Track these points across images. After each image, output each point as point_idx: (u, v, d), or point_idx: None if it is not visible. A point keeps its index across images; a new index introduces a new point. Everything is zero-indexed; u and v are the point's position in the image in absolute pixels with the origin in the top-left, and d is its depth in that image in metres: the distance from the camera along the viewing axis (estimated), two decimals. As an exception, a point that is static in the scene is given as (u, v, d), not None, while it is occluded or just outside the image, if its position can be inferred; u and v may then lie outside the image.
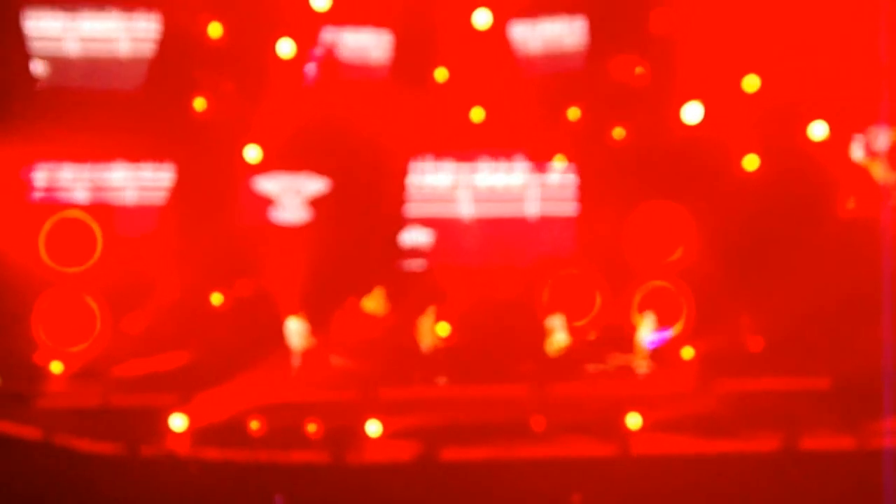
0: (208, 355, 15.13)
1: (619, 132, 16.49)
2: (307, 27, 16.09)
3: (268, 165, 16.56)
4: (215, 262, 15.96)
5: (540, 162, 17.09)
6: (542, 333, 15.52)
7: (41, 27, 15.92)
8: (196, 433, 12.89)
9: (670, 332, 15.29)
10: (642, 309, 15.75)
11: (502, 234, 17.64)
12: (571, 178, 17.14)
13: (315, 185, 16.93)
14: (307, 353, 14.97)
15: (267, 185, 16.90)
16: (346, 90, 16.49)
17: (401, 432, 12.90)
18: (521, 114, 16.29)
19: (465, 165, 17.27)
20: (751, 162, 16.09)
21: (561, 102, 16.48)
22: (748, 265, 15.83)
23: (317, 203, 16.95)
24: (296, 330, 14.99)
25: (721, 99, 15.74)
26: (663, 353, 15.38)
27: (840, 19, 15.09)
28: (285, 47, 15.80)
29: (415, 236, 17.29)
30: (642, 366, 14.94)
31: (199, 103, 16.05)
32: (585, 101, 16.46)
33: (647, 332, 15.09)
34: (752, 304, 15.71)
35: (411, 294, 16.41)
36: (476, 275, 17.21)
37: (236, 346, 15.26)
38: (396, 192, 17.11)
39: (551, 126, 16.50)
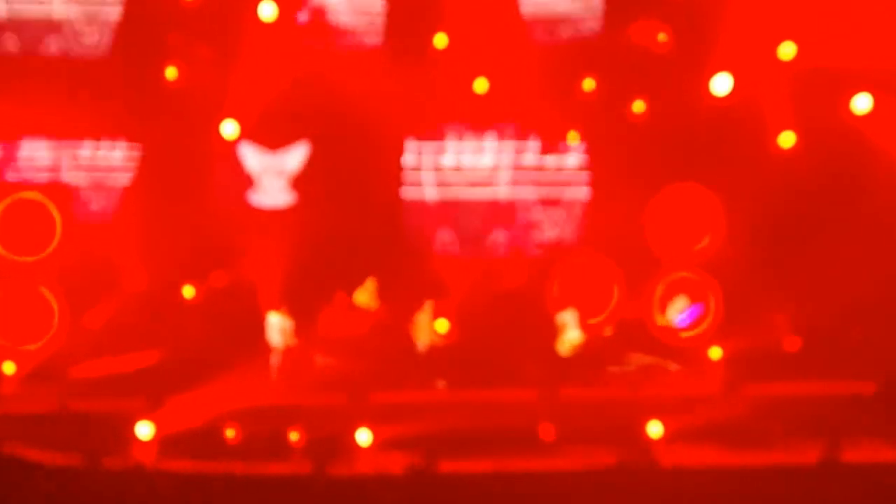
0: (179, 355, 15.11)
1: (639, 106, 16.47)
2: (291, -14, 16.15)
3: (247, 141, 16.54)
4: (187, 250, 15.94)
5: (551, 139, 17.08)
6: (553, 331, 15.55)
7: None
8: (165, 442, 12.88)
9: (700, 309, 15.36)
10: (665, 303, 15.75)
11: (508, 219, 17.68)
12: (585, 158, 17.11)
13: (299, 164, 16.95)
14: (289, 353, 15.10)
15: (246, 163, 16.90)
16: (334, 58, 16.50)
17: (393, 441, 12.89)
18: (530, 85, 16.22)
19: (466, 143, 17.29)
20: (786, 139, 16.05)
21: (575, 72, 16.46)
22: (783, 255, 15.77)
23: (301, 184, 16.93)
24: (277, 326, 15.11)
25: (753, 68, 15.70)
26: (688, 354, 15.42)
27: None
28: (267, 10, 15.79)
29: (411, 221, 17.28)
30: (667, 365, 14.99)
31: (171, 72, 16.05)
32: (602, 71, 16.42)
33: (677, 310, 15.15)
34: (788, 299, 15.65)
35: (407, 287, 16.37)
36: (479, 265, 17.21)
37: (210, 345, 15.24)
38: (391, 172, 17.13)
39: (563, 99, 16.45)
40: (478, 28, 16.22)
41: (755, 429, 13.16)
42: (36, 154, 16.31)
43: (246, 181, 16.89)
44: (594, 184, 17.13)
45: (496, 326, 15.99)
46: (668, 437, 13.02)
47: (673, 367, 15.12)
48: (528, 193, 17.47)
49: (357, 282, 16.05)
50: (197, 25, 16.00)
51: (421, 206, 17.33)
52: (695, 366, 15.17)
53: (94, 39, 16.28)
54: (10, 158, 16.26)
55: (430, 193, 17.42)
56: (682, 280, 16.43)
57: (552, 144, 17.09)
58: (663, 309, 15.86)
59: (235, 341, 15.21)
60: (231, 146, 16.55)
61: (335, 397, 13.93)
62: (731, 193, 16.15)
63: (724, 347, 15.46)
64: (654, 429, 12.99)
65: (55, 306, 15.45)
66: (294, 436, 12.99)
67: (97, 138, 16.37)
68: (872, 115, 15.60)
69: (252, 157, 16.97)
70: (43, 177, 16.22)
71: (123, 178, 16.44)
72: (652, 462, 12.04)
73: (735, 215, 16.15)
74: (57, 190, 15.92)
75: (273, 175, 16.98)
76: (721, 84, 15.67)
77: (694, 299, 15.44)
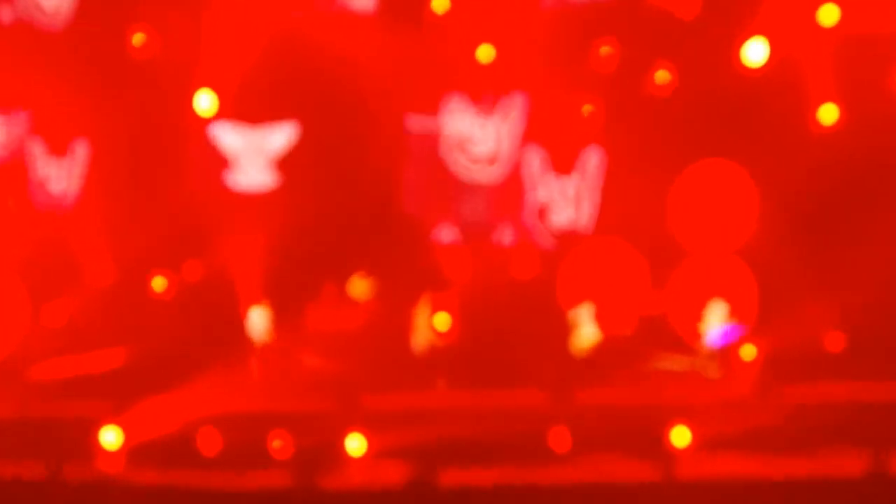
0: (149, 354, 15.14)
1: (662, 76, 16.34)
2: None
3: (224, 116, 16.49)
4: (158, 238, 15.90)
5: (563, 112, 17.00)
6: (566, 328, 15.60)
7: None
8: (133, 451, 13.11)
9: (739, 329, 15.38)
10: (701, 298, 15.72)
11: (516, 202, 17.71)
12: (602, 133, 16.84)
13: (283, 141, 16.94)
14: (273, 351, 15.13)
15: (223, 141, 16.86)
16: (322, 24, 16.39)
17: (389, 450, 13.09)
18: (540, 53, 16.13)
19: (467, 116, 17.24)
20: (828, 113, 15.93)
21: (589, 37, 16.35)
22: (825, 242, 15.60)
23: (286, 164, 16.87)
24: (259, 323, 15.21)
25: (790, 34, 15.62)
26: (718, 353, 15.40)
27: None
28: (247, -31, 15.90)
29: (408, 205, 17.24)
30: (704, 368, 15.04)
31: (138, 38, 16.03)
32: (620, 36, 16.29)
33: (713, 324, 15.16)
34: (831, 292, 15.46)
35: (404, 278, 16.51)
36: (484, 254, 17.25)
37: (184, 343, 15.23)
38: (385, 149, 17.12)
39: (577, 68, 16.34)
40: (481, -11, 16.22)
41: (793, 437, 13.34)
42: (-11, 131, 16.43)
43: (223, 161, 16.86)
44: (612, 162, 17.11)
45: (502, 322, 16.00)
46: (696, 447, 13.19)
47: (711, 370, 15.09)
48: (538, 173, 17.47)
49: (347, 273, 16.10)
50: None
51: (419, 188, 17.37)
52: (726, 366, 15.16)
53: (54, 4, 16.33)
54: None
55: (430, 174, 17.44)
56: (711, 270, 16.42)
57: (564, 118, 17.06)
58: (691, 307, 15.85)
59: (212, 339, 15.28)
60: (206, 122, 16.52)
61: (324, 401, 14.07)
62: (766, 174, 16.10)
63: (758, 346, 15.37)
64: (680, 437, 13.14)
65: (12, 302, 15.45)
66: (277, 444, 13.19)
67: (56, 113, 16.30)
68: (924, 87, 15.68)
69: (230, 135, 16.99)
70: (-4, 156, 16.31)
71: (86, 158, 16.43)
72: (677, 474, 12.10)
73: (770, 197, 16.09)
74: (9, 171, 15.96)
75: (254, 154, 17.02)
76: (754, 51, 15.62)
77: (732, 307, 15.38)
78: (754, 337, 15.47)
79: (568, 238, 17.44)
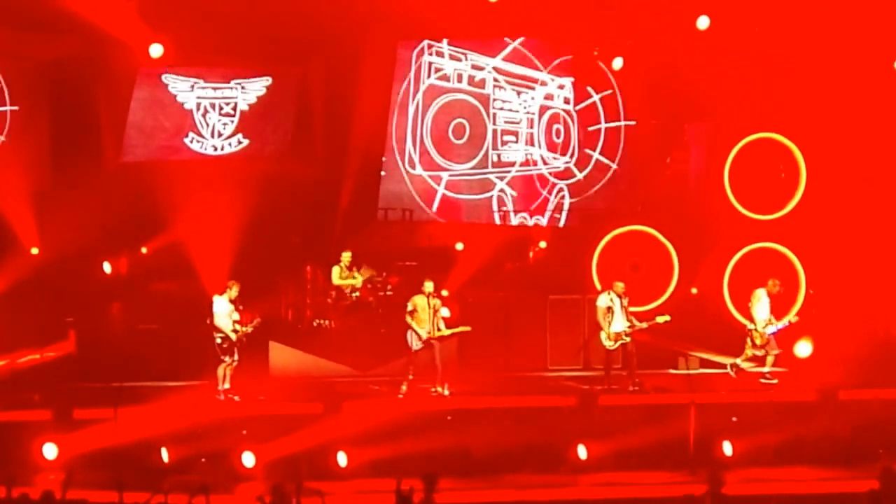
0: (96, 352, 15.27)
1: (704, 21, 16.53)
2: None
3: (178, 66, 16.76)
4: (105, 216, 16.12)
5: (588, 66, 17.30)
6: (591, 319, 15.59)
7: None
8: (77, 462, 12.94)
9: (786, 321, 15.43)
10: (748, 284, 15.85)
11: (529, 177, 18.03)
12: (633, 93, 17.40)
13: (253, 97, 17.18)
14: (240, 347, 14.81)
15: (180, 98, 17.10)
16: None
17: (380, 462, 13.03)
18: None
19: (473, 71, 17.56)
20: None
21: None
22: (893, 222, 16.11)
23: (254, 124, 17.13)
24: (226, 312, 14.70)
25: None
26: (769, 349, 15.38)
27: None
28: None
29: (406, 177, 17.57)
30: (766, 360, 15.11)
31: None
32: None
33: (766, 314, 15.11)
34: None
35: (399, 262, 16.55)
36: (490, 235, 17.41)
37: (138, 339, 15.46)
38: (382, 104, 17.27)
39: (604, 11, 16.54)
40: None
41: (853, 446, 13.41)
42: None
43: (181, 120, 17.07)
44: (645, 128, 17.36)
45: (515, 315, 16.20)
46: (741, 458, 13.21)
47: (766, 362, 15.16)
48: (557, 139, 17.67)
49: (330, 255, 16.13)
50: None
51: (422, 156, 17.53)
52: (776, 364, 15.23)
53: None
54: None
55: (430, 137, 17.61)
56: (760, 254, 16.57)
57: (588, 74, 17.23)
58: (738, 295, 15.95)
59: (171, 333, 15.41)
60: (159, 73, 16.75)
61: (302, 407, 14.02)
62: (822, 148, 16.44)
63: (814, 341, 15.48)
64: (723, 447, 13.24)
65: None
66: (249, 459, 13.09)
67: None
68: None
69: (186, 92, 17.15)
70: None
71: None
72: (721, 489, 12.19)
73: (824, 173, 16.48)
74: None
75: (217, 112, 17.17)
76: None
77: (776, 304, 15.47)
78: (810, 330, 15.43)
79: (593, 219, 17.63)
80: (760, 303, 15.08)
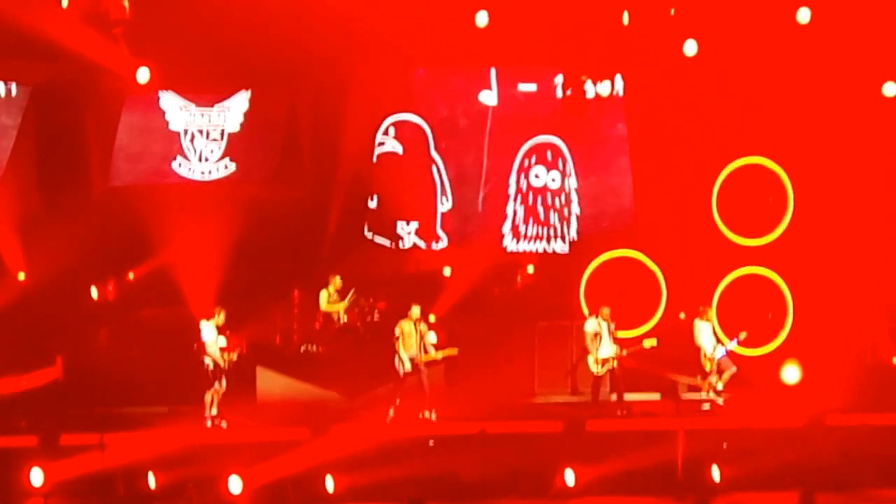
0: (84, 377, 15.25)
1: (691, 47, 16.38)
2: None
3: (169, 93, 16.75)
4: (93, 240, 16.01)
5: (577, 90, 17.02)
6: (579, 345, 15.54)
7: None
8: (64, 488, 13.03)
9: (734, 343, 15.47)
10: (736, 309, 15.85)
11: (521, 197, 17.92)
12: (623, 109, 17.38)
13: (239, 111, 17.20)
14: (228, 372, 14.90)
15: (168, 121, 17.12)
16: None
17: (368, 487, 13.01)
18: (547, 16, 16.19)
19: (467, 92, 17.60)
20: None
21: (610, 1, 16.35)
22: (883, 242, 16.11)
23: (242, 148, 17.19)
24: (212, 337, 14.77)
25: None
26: (754, 377, 15.50)
27: None
28: None
29: (396, 199, 17.59)
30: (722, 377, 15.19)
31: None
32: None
33: (710, 340, 15.18)
34: (891, 302, 15.93)
35: (389, 287, 16.55)
36: (480, 258, 17.30)
37: (125, 364, 15.35)
38: (369, 129, 17.32)
39: (596, 37, 16.45)
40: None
41: (843, 472, 13.34)
42: None
43: (169, 144, 17.10)
44: (636, 151, 17.39)
45: (505, 340, 16.15)
46: (729, 484, 13.19)
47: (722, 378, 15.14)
48: (551, 151, 17.64)
49: (318, 280, 16.17)
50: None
51: (413, 178, 17.58)
52: (764, 391, 15.29)
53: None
54: None
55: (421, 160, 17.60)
56: (749, 279, 16.60)
57: (578, 95, 17.16)
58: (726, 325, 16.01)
59: (158, 359, 15.32)
60: (148, 98, 16.78)
61: (290, 432, 14.00)
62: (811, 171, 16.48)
63: (802, 365, 15.53)
64: (711, 472, 13.25)
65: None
66: (236, 484, 13.06)
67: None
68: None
69: (176, 114, 17.19)
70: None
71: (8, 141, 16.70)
72: None
73: (812, 196, 16.49)
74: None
75: (204, 137, 17.20)
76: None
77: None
78: (799, 353, 15.55)
79: (584, 243, 17.57)
80: (700, 332, 15.26)
